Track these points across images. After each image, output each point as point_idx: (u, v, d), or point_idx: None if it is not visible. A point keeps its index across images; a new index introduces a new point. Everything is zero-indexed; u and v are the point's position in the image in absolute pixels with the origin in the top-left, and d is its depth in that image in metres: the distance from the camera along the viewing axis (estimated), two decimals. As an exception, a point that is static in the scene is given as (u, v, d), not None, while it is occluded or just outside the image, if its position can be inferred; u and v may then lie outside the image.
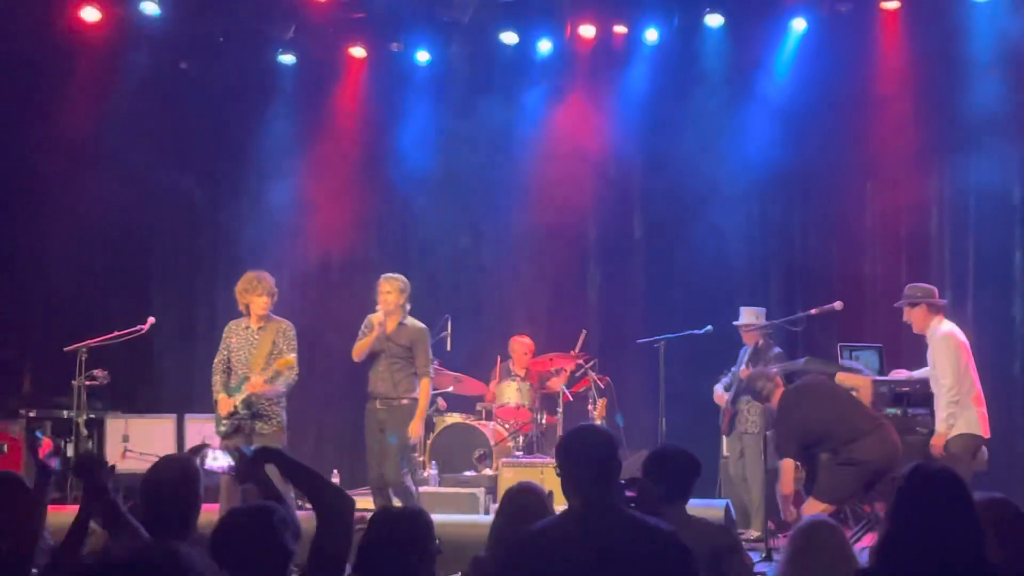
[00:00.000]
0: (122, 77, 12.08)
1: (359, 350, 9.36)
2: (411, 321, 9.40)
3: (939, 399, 8.61)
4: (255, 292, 8.92)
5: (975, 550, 3.69)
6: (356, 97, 12.96)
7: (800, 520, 4.91)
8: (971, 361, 8.68)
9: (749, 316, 10.33)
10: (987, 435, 8.58)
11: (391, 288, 9.29)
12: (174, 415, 10.97)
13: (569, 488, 3.95)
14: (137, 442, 10.67)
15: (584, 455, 3.94)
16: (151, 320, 9.97)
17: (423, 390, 9.31)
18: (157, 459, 4.70)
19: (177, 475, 4.46)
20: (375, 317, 9.31)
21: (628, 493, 4.62)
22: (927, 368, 9.19)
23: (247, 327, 9.02)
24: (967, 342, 8.71)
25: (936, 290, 8.80)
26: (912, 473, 3.89)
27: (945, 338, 8.61)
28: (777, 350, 10.14)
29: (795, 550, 4.37)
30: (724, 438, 10.59)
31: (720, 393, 10.50)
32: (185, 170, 12.32)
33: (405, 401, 9.23)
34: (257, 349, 8.87)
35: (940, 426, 8.51)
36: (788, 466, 8.46)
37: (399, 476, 9.01)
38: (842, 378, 8.80)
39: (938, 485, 3.82)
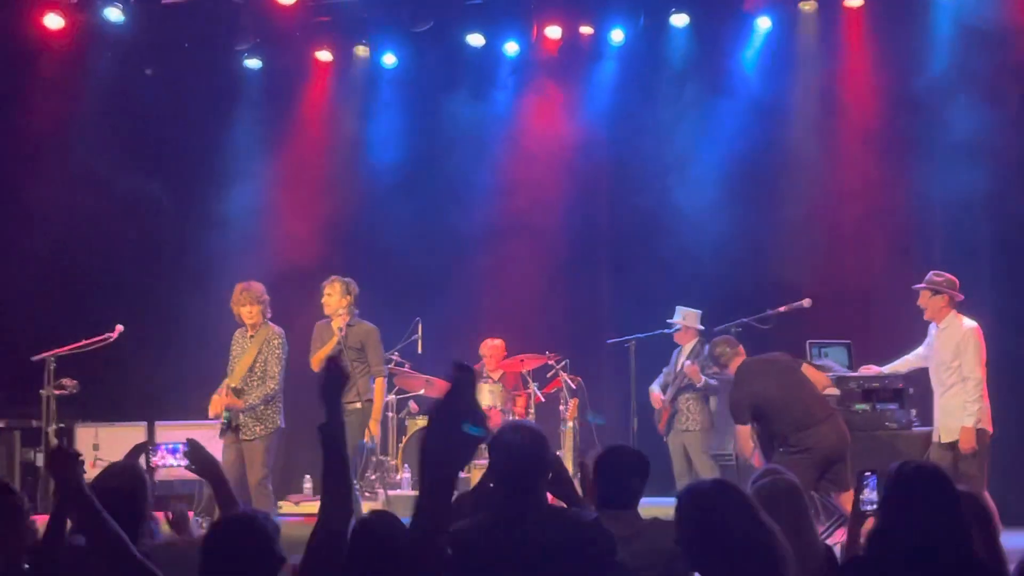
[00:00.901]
0: (87, 84, 12.04)
1: (318, 360, 9.38)
2: (358, 322, 9.44)
3: (962, 392, 8.52)
4: (240, 303, 9.04)
5: (962, 543, 3.74)
6: (323, 101, 12.96)
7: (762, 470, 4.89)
8: None
9: (685, 316, 10.45)
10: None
11: (331, 291, 9.40)
12: (144, 423, 10.91)
13: (497, 483, 4.01)
14: (107, 451, 10.58)
15: (512, 452, 3.98)
16: (119, 328, 9.91)
17: (377, 390, 9.37)
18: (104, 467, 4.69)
19: (123, 484, 4.44)
20: (334, 324, 9.34)
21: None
22: (898, 362, 9.23)
23: (243, 335, 9.16)
24: None
25: (958, 283, 8.81)
26: (900, 469, 3.96)
27: (974, 333, 8.60)
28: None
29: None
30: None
31: (656, 393, 10.54)
32: (152, 176, 12.24)
33: (358, 405, 9.27)
34: (245, 357, 8.98)
35: (968, 420, 8.44)
36: (744, 432, 8.62)
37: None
38: (807, 371, 8.84)
39: (925, 481, 3.89)
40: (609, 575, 3.84)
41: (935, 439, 8.72)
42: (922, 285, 8.81)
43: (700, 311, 10.52)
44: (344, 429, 3.77)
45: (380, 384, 9.41)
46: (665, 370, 10.67)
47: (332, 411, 3.72)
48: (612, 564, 3.87)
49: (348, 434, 9.20)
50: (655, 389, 10.60)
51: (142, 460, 4.87)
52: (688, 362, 10.16)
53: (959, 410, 8.51)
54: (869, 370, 9.46)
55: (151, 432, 10.87)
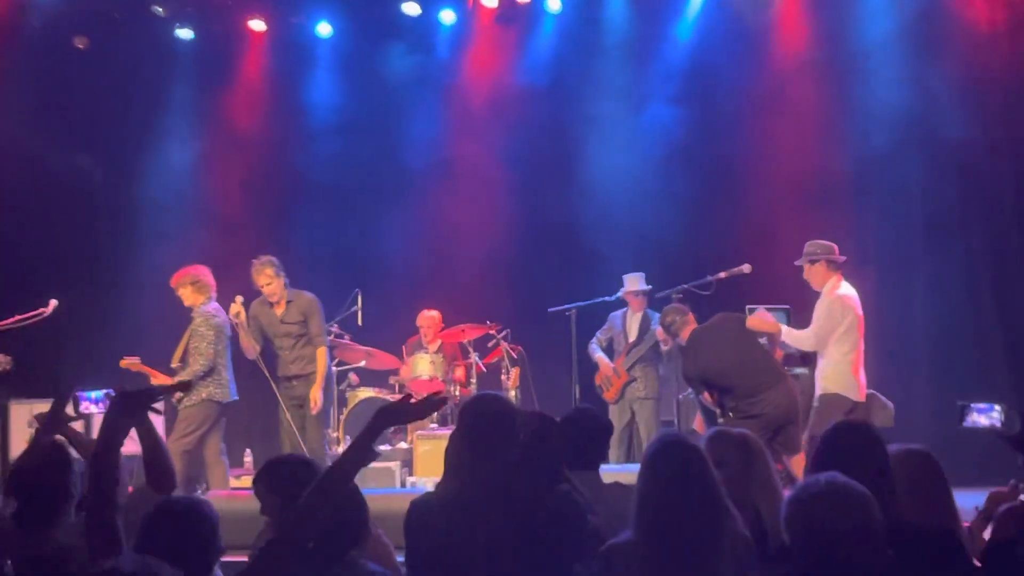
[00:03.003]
0: (16, 56, 11.80)
1: (246, 349, 9.41)
2: (297, 295, 9.50)
3: (834, 354, 8.65)
4: (176, 290, 9.32)
5: (886, 504, 3.74)
6: (258, 71, 12.79)
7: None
8: (859, 328, 8.67)
9: (641, 283, 10.50)
10: (862, 399, 8.65)
11: (267, 279, 9.42)
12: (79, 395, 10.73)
13: (465, 453, 4.00)
14: (43, 427, 10.44)
15: (482, 421, 4.01)
16: (53, 302, 9.76)
17: (320, 358, 9.55)
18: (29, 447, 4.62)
19: (45, 464, 4.36)
20: (232, 309, 9.33)
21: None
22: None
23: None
24: (859, 310, 8.71)
25: (836, 247, 8.83)
26: (831, 430, 3.99)
27: (836, 300, 8.62)
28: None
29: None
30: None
31: (604, 359, 10.58)
32: (84, 149, 12.07)
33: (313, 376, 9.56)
34: (182, 340, 9.29)
35: (787, 330, 8.76)
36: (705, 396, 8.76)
37: (321, 446, 9.40)
38: (753, 323, 8.86)
39: (855, 441, 3.91)
40: (578, 543, 3.85)
41: None
42: (800, 260, 8.86)
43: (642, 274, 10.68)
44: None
45: (322, 352, 9.58)
46: (599, 335, 10.69)
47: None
48: (581, 534, 3.87)
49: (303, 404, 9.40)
50: (601, 354, 10.62)
51: (70, 408, 4.78)
52: (657, 327, 10.07)
53: (821, 372, 8.66)
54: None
55: (75, 402, 10.68)
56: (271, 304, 9.56)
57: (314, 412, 9.47)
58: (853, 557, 3.36)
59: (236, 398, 9.46)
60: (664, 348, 10.25)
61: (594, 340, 10.71)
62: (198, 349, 9.13)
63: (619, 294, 10.55)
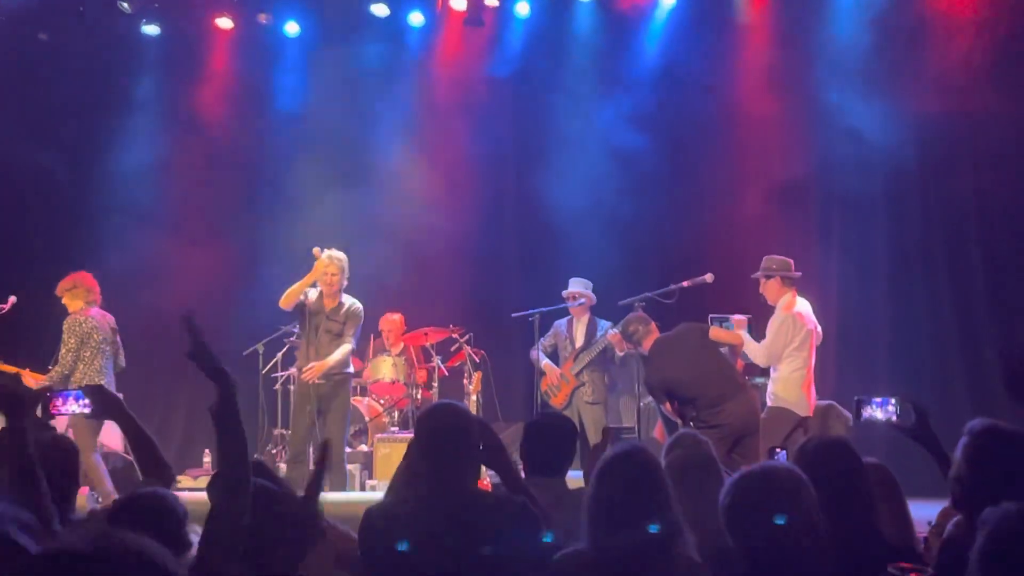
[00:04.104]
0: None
1: (290, 293, 9.46)
2: (349, 300, 9.53)
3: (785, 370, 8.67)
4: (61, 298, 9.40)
5: (867, 520, 3.75)
6: (224, 69, 12.72)
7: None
8: (811, 344, 8.67)
9: (582, 286, 10.48)
10: (809, 413, 8.65)
11: (336, 270, 9.46)
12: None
13: (423, 463, 3.98)
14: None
15: (440, 432, 3.98)
16: (12, 299, 9.70)
17: (340, 354, 9.42)
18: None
19: (58, 455, 4.33)
20: (316, 251, 9.44)
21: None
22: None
23: None
24: (813, 325, 8.74)
25: (792, 263, 8.85)
26: (804, 446, 3.98)
27: (792, 317, 8.61)
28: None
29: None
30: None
31: (551, 364, 10.50)
32: (46, 145, 11.95)
33: (340, 376, 9.47)
34: None
35: (751, 344, 8.69)
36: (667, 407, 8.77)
37: (341, 448, 9.35)
38: (716, 334, 8.88)
39: (831, 458, 3.89)
40: (533, 556, 3.82)
41: None
42: (757, 274, 8.89)
43: (590, 282, 10.62)
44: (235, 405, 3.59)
45: (346, 350, 9.49)
46: (543, 342, 10.61)
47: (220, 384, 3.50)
48: (537, 546, 3.85)
49: (337, 405, 9.45)
50: (548, 360, 10.53)
51: (39, 411, 4.71)
52: (613, 331, 10.03)
53: (771, 386, 8.68)
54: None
55: (44, 405, 10.59)
56: (324, 296, 9.52)
57: (312, 375, 9.34)
58: (786, 537, 3.31)
59: None
60: (619, 354, 10.22)
61: (538, 346, 10.60)
62: (61, 355, 9.17)
63: (581, 301, 10.48)
